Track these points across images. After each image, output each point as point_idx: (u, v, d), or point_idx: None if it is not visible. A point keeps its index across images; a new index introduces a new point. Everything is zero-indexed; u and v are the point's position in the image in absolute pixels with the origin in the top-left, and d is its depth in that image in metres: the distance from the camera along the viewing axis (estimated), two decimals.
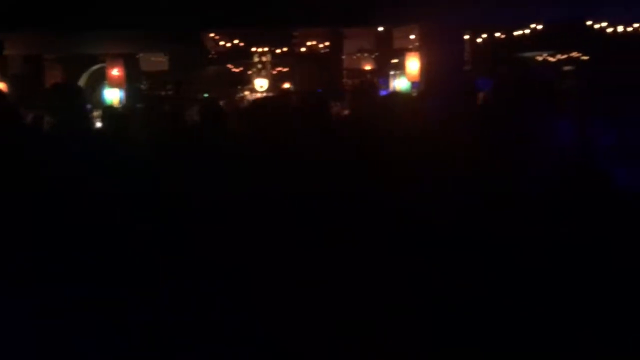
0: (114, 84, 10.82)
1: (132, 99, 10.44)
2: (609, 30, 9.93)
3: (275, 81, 13.77)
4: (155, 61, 12.47)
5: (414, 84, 10.19)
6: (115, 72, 10.80)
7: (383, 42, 12.89)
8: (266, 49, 13.26)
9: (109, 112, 5.58)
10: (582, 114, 3.24)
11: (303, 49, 13.24)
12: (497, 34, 11.72)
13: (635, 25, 9.72)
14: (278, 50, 13.42)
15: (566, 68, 13.26)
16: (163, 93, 12.13)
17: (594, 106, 3.61)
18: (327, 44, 13.00)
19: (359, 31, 12.23)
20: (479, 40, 11.76)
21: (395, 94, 6.60)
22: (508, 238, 2.11)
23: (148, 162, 2.95)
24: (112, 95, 10.74)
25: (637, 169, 2.65)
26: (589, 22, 9.42)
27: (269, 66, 13.59)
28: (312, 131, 3.86)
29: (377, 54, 13.61)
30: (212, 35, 11.63)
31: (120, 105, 9.96)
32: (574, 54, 13.23)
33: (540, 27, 10.44)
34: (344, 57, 13.32)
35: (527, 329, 2.06)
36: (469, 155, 2.95)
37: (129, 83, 11.13)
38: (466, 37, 10.00)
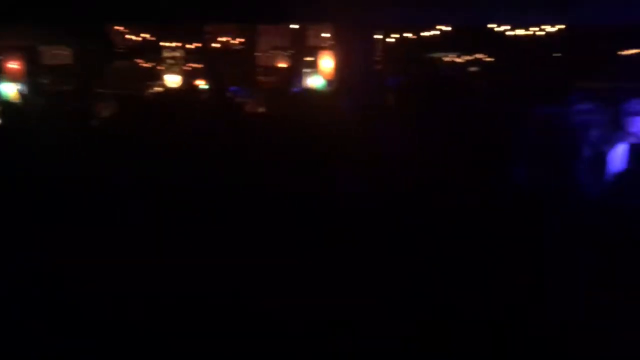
0: (12, 77, 10.20)
1: (33, 94, 9.87)
2: (510, 33, 10.47)
3: (188, 77, 13.45)
4: (59, 54, 11.86)
5: (328, 82, 10.28)
6: (14, 65, 10.20)
7: (298, 40, 12.91)
8: (177, 44, 12.93)
9: (6, 107, 5.29)
10: (487, 112, 3.37)
11: (216, 45, 13.02)
12: (408, 35, 12.04)
13: (533, 29, 10.30)
14: (190, 46, 13.12)
15: (472, 69, 13.86)
16: (67, 88, 11.54)
17: (499, 105, 3.78)
18: (240, 40, 12.86)
19: (273, 28, 12.17)
20: (390, 40, 12.03)
21: (307, 92, 6.64)
22: (415, 231, 2.15)
23: (52, 157, 2.81)
24: (10, 90, 10.12)
25: (539, 167, 2.78)
26: (491, 26, 9.87)
27: (180, 62, 13.26)
28: (225, 128, 3.80)
29: (291, 51, 13.61)
30: (119, 28, 11.20)
31: (19, 100, 9.39)
32: (479, 56, 13.84)
33: (448, 29, 10.83)
34: (258, 54, 13.22)
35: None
36: (377, 151, 3.00)
37: (30, 77, 10.53)
38: (378, 36, 10.20)
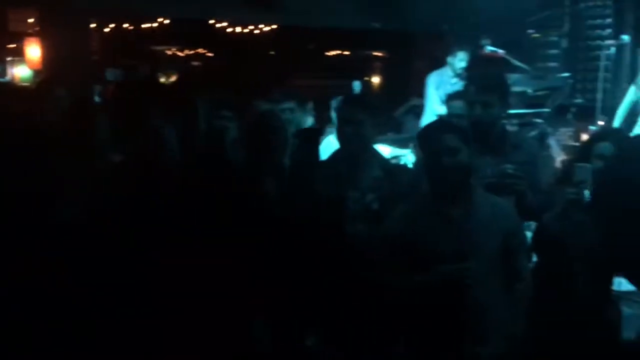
0: None
1: None
2: (229, 30, 10.79)
3: None
4: None
5: (36, 72, 9.41)
6: None
7: None
8: None
9: None
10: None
11: None
12: (127, 25, 11.55)
13: (251, 27, 10.78)
14: None
15: (194, 63, 13.92)
16: None
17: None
18: None
19: None
20: (107, 29, 11.41)
21: (11, 83, 5.98)
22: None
23: None
24: None
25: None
26: (211, 21, 10.04)
27: None
28: None
29: None
30: None
31: None
32: (200, 50, 13.97)
33: (168, 21, 10.68)
34: None
35: None
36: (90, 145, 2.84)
37: None
38: (94, 25, 9.58)
